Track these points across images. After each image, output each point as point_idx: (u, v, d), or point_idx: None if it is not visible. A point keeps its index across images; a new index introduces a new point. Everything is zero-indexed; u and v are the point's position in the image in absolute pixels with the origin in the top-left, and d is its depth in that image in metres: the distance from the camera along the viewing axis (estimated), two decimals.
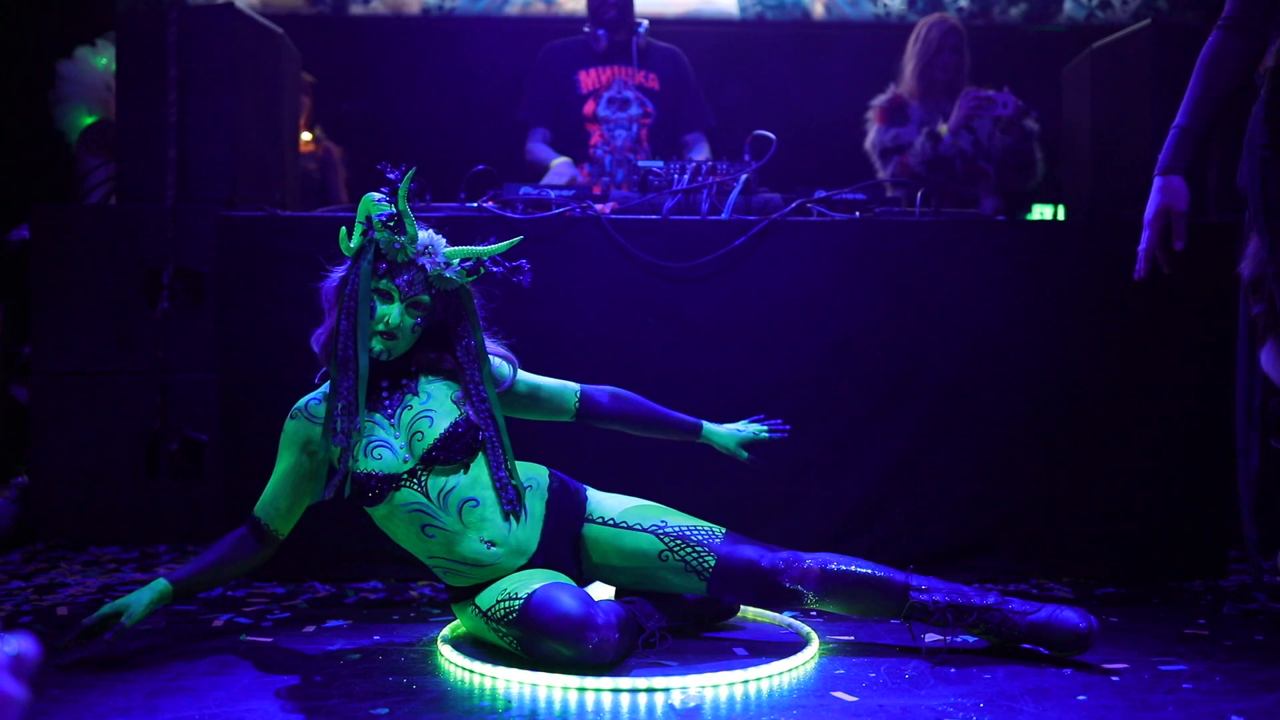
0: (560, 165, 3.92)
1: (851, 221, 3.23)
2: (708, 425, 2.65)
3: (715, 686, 2.14)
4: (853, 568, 2.38)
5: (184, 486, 3.69)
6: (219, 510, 3.42)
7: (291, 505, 2.47)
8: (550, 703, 2.07)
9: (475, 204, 3.21)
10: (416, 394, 2.43)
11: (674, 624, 2.47)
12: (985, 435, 3.19)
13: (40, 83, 4.89)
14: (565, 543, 2.46)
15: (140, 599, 2.34)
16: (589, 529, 2.48)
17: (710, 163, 3.29)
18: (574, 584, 2.35)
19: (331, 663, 2.33)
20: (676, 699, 2.07)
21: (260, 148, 3.94)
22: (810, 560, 2.39)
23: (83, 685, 2.15)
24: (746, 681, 2.18)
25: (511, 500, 2.37)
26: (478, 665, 2.25)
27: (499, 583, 2.35)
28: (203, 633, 2.58)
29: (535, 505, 2.44)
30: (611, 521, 2.47)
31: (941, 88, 4.24)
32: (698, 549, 2.40)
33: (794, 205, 3.21)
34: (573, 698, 2.09)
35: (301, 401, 2.47)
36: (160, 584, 2.38)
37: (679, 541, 2.41)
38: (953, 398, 3.19)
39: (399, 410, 2.41)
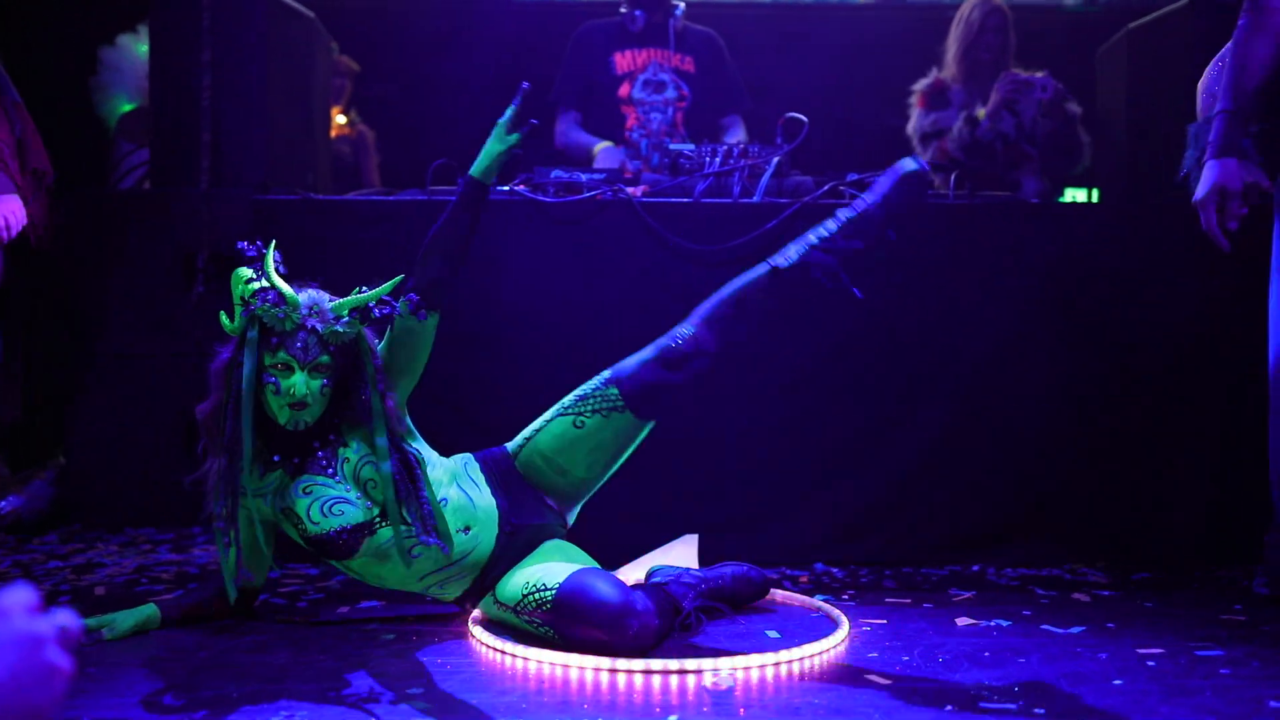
0: (606, 149, 3.88)
1: None
2: (472, 170, 2.49)
3: (747, 669, 2.14)
4: (724, 295, 2.49)
5: None
6: None
7: (259, 562, 2.48)
8: (583, 684, 2.08)
9: (507, 187, 3.21)
10: (347, 445, 2.38)
11: (708, 605, 2.47)
12: (1019, 420, 3.17)
13: (81, 69, 4.92)
14: (515, 488, 2.51)
15: (126, 619, 2.37)
16: (518, 461, 2.54)
17: (742, 145, 3.27)
18: (598, 566, 2.37)
19: (366, 642, 2.34)
20: (709, 680, 2.07)
21: (293, 131, 3.97)
22: (692, 327, 2.48)
23: (123, 664, 2.18)
24: (779, 664, 2.18)
25: (432, 526, 2.33)
26: (510, 646, 2.26)
27: (517, 575, 2.37)
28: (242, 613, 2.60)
29: (476, 474, 2.49)
30: (526, 439, 2.55)
31: (985, 70, 4.17)
32: (596, 394, 2.48)
33: (826, 188, 3.19)
34: (605, 679, 2.10)
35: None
36: (149, 609, 2.41)
37: (579, 401, 2.50)
38: (986, 382, 3.17)
39: (338, 465, 2.37)
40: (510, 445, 2.58)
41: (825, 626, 2.46)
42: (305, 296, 2.32)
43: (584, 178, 3.20)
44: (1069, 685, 2.04)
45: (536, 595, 2.29)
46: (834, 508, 3.13)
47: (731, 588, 2.58)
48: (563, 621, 2.23)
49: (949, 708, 1.92)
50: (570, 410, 2.50)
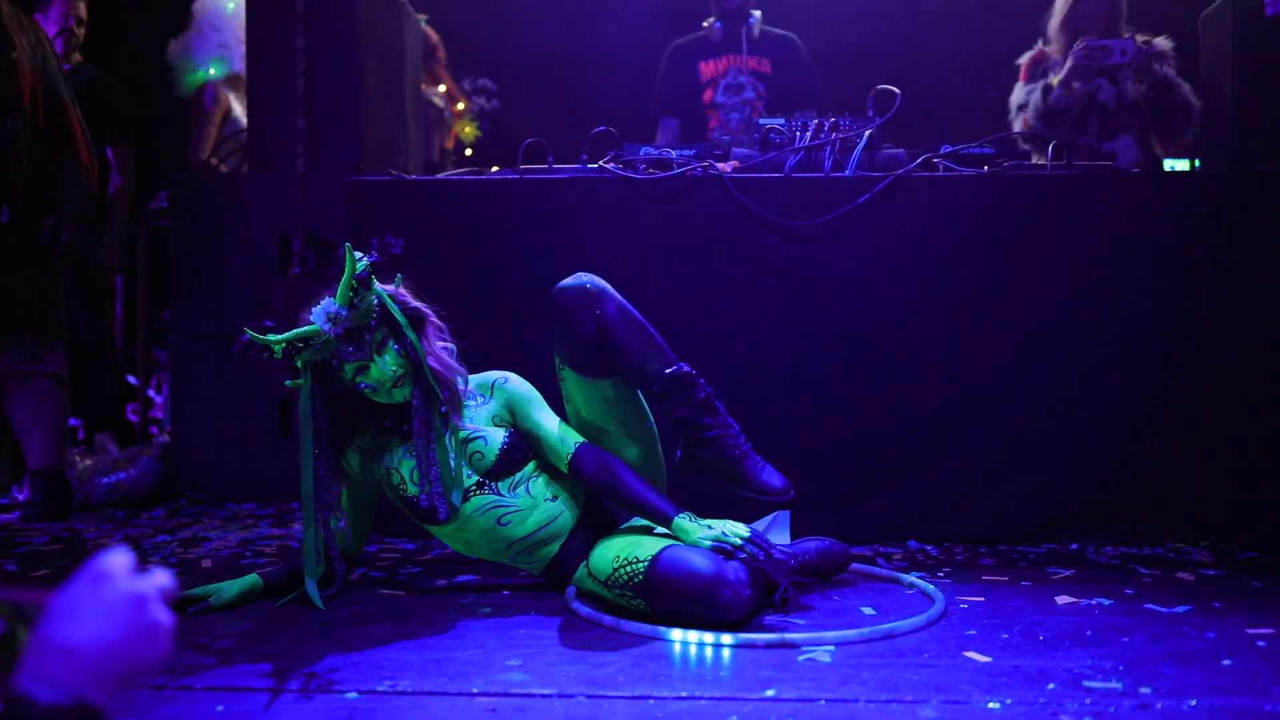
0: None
1: (979, 177, 3.15)
2: (680, 518, 2.35)
3: (846, 644, 2.13)
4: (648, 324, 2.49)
5: None
6: None
7: (358, 533, 2.58)
8: (681, 657, 2.08)
9: (597, 165, 3.23)
10: (464, 425, 2.49)
11: (799, 579, 2.46)
12: (1119, 396, 3.10)
13: (153, 52, 5.03)
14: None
15: (231, 588, 2.46)
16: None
17: (833, 119, 3.24)
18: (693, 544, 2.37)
19: (464, 615, 2.38)
20: (807, 655, 2.07)
21: (384, 115, 4.02)
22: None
23: (230, 633, 2.24)
24: (877, 639, 2.17)
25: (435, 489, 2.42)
26: (607, 619, 2.28)
27: (609, 547, 2.39)
28: (341, 585, 2.66)
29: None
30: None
31: (1130, 32, 4.06)
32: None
33: (919, 161, 3.15)
34: (703, 652, 2.10)
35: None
36: (253, 578, 2.50)
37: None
38: (1085, 358, 3.11)
39: (449, 439, 2.46)
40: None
41: (921, 603, 2.44)
42: (316, 315, 2.39)
43: (674, 154, 3.20)
44: (1176, 665, 2.00)
45: (628, 568, 2.31)
46: (928, 485, 3.10)
47: (817, 562, 2.58)
48: (654, 593, 2.26)
49: (1051, 686, 1.89)
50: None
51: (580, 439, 2.48)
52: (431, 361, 2.43)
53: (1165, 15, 4.66)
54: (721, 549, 2.27)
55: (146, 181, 4.90)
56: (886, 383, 3.11)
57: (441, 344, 2.50)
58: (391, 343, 2.41)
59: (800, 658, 2.06)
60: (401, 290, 2.48)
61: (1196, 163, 4.37)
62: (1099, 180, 3.17)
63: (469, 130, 5.36)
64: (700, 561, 2.22)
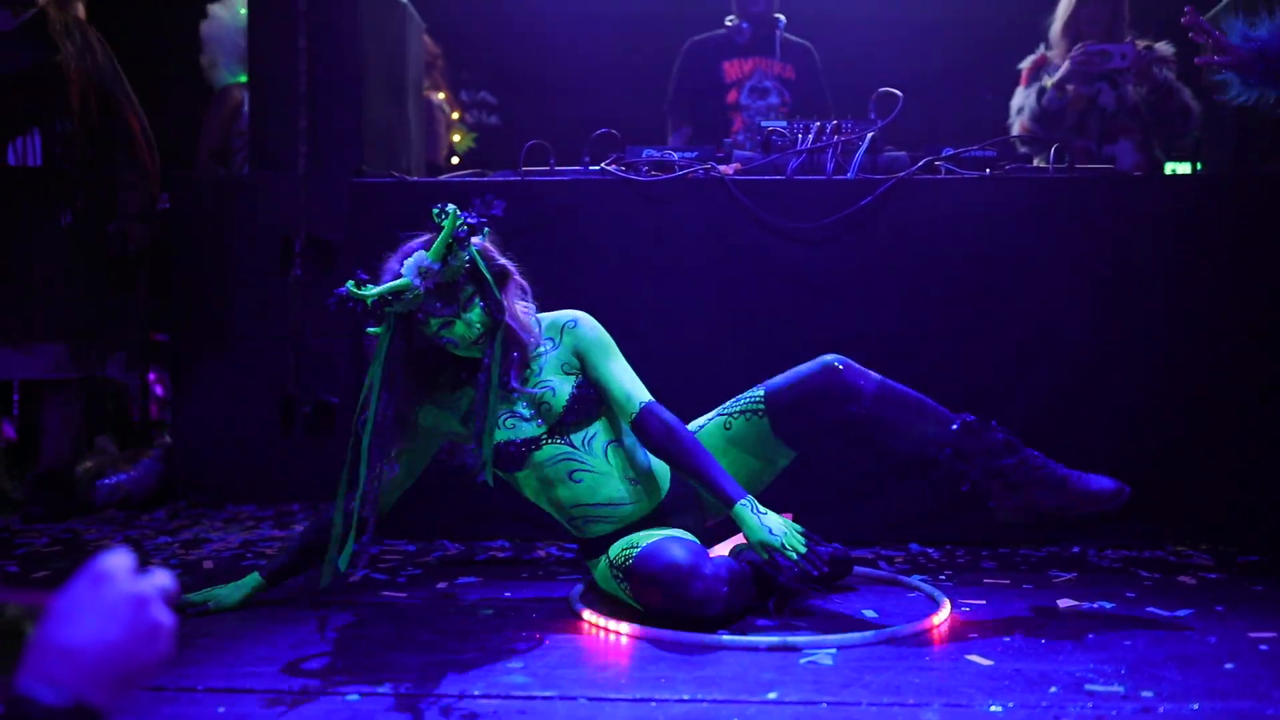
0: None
1: (981, 179, 3.15)
2: (742, 505, 2.28)
3: (847, 647, 2.13)
4: (906, 390, 2.45)
5: (317, 447, 3.80)
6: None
7: (398, 484, 2.56)
8: (684, 659, 2.08)
9: (599, 167, 3.22)
10: (530, 365, 2.46)
11: (800, 586, 2.45)
12: (1120, 398, 3.10)
13: (168, 50, 5.02)
14: (688, 488, 2.51)
15: (232, 595, 2.45)
16: None
17: (835, 122, 3.23)
18: (695, 539, 2.37)
19: (465, 618, 2.38)
20: (809, 658, 2.07)
21: (387, 116, 4.02)
22: (872, 382, 2.44)
23: (232, 635, 2.24)
24: (878, 642, 2.17)
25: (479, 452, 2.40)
26: (610, 622, 2.28)
27: (630, 535, 2.40)
28: (342, 587, 2.65)
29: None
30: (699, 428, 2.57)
31: (1130, 36, 4.05)
32: (746, 397, 2.50)
33: (921, 164, 3.15)
34: (706, 655, 2.10)
35: None
36: (252, 578, 2.49)
37: (732, 403, 2.53)
38: (1086, 359, 3.11)
39: (517, 394, 2.45)
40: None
41: (923, 606, 2.44)
42: (408, 269, 2.36)
43: (676, 156, 3.19)
44: (1178, 668, 1.99)
45: (626, 552, 2.34)
46: (930, 487, 3.09)
47: (832, 567, 2.54)
48: (636, 580, 2.29)
49: (1053, 689, 1.88)
50: (724, 412, 2.54)
51: (649, 397, 2.41)
52: (510, 320, 2.40)
53: (1168, 18, 4.66)
54: (775, 565, 2.25)
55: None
56: (898, 377, 3.10)
57: (521, 304, 2.47)
58: (478, 299, 2.39)
59: (802, 660, 2.06)
60: (488, 245, 2.46)
61: (1198, 165, 4.37)
62: (1100, 183, 3.17)
63: (463, 140, 5.36)
64: (679, 553, 2.23)
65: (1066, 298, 3.11)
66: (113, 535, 3.32)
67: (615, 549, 2.39)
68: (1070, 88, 3.93)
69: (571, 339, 2.48)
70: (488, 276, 2.39)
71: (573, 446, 2.43)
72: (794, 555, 2.22)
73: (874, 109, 3.26)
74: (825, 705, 1.83)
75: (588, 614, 2.34)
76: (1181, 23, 2.75)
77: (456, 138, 5.34)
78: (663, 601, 2.24)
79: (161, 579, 1.02)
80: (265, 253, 3.85)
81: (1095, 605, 2.44)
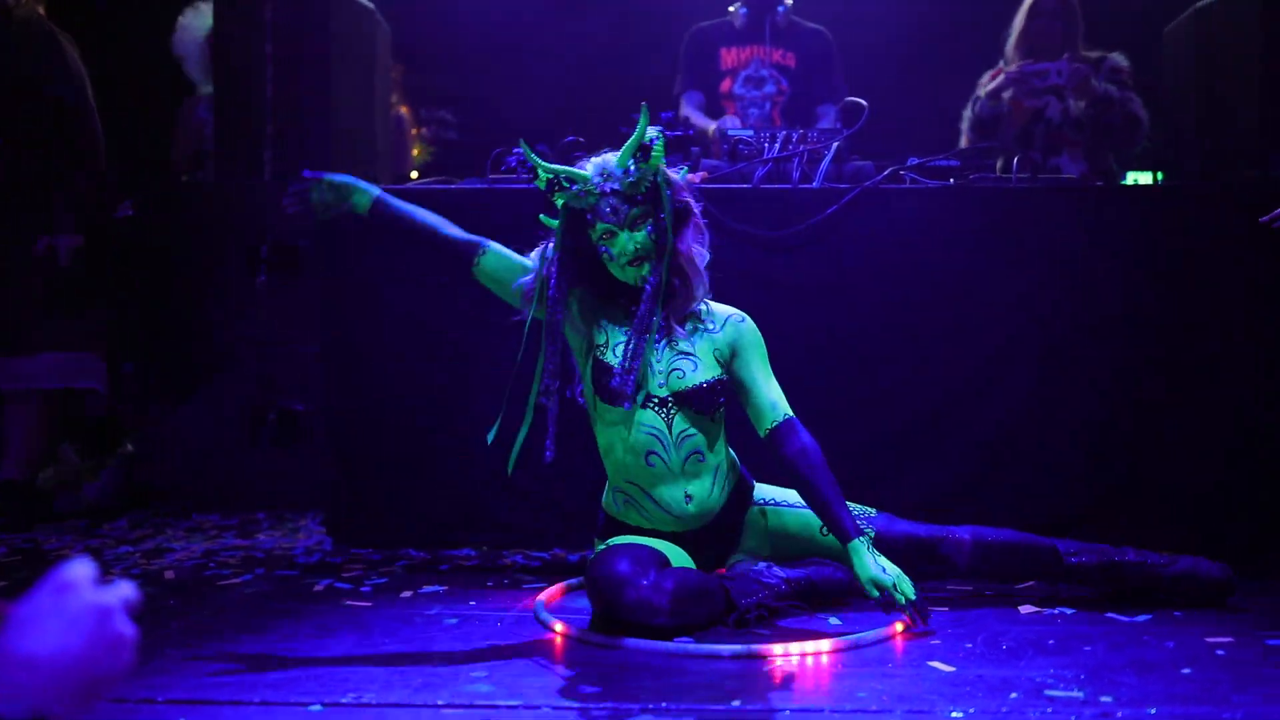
0: (726, 118, 3.95)
1: (945, 189, 3.18)
2: (860, 541, 2.28)
3: (810, 654, 2.14)
4: (1002, 538, 2.51)
5: (282, 455, 3.78)
6: (315, 478, 3.51)
7: (501, 279, 2.54)
8: (647, 666, 2.08)
9: None
10: (686, 337, 2.46)
11: (778, 604, 2.43)
12: (1084, 408, 3.12)
13: (142, 58, 4.98)
14: (734, 520, 2.53)
15: (360, 200, 2.54)
16: (753, 510, 2.56)
17: (801, 131, 3.25)
18: (657, 549, 2.38)
19: (429, 627, 2.37)
20: (772, 664, 2.07)
21: (354, 122, 4.00)
22: (962, 531, 2.51)
23: (193, 645, 2.22)
24: (842, 649, 2.18)
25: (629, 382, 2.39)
26: (574, 630, 2.28)
27: (623, 536, 2.44)
28: (304, 596, 2.64)
29: (732, 477, 2.53)
30: (774, 502, 2.57)
31: (1044, 56, 4.11)
32: (856, 522, 2.44)
33: (886, 173, 3.17)
34: (669, 662, 2.10)
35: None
36: (371, 194, 2.55)
37: None
38: (1049, 370, 3.12)
39: (665, 343, 2.45)
40: (756, 487, 2.60)
41: (888, 614, 2.44)
42: (592, 167, 2.38)
43: None
44: (1136, 673, 2.02)
45: (591, 558, 2.38)
46: (900, 493, 3.10)
47: (814, 586, 2.50)
48: (588, 584, 2.34)
49: (1014, 695, 1.90)
50: None
51: (791, 413, 2.41)
52: (681, 248, 2.40)
53: (1129, 29, 4.73)
54: (886, 604, 2.24)
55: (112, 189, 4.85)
56: (857, 392, 3.12)
57: (698, 246, 2.45)
58: (649, 222, 2.38)
59: (766, 668, 2.07)
60: (683, 180, 2.46)
61: (1159, 175, 4.42)
62: (1061, 193, 3.20)
63: (418, 153, 5.34)
64: (620, 563, 2.27)
65: (1034, 304, 3.13)
66: (74, 545, 3.28)
67: (602, 544, 2.45)
68: (1006, 96, 3.99)
69: (734, 332, 2.49)
70: (665, 204, 2.39)
71: (668, 430, 2.40)
72: (902, 599, 2.24)
73: (840, 118, 3.28)
74: (788, 713, 1.84)
75: (552, 621, 2.34)
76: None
77: (415, 151, 5.33)
78: (602, 608, 2.29)
79: (124, 590, 1.02)
80: (232, 259, 3.83)
81: (1056, 611, 2.46)
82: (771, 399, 2.43)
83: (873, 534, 2.43)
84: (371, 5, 4.14)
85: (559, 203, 2.41)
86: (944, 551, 2.48)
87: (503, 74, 5.60)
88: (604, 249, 2.39)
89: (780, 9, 4.18)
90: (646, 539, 2.43)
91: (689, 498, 2.42)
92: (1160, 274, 3.12)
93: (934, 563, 2.50)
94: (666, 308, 2.42)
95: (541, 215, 2.47)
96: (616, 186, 2.35)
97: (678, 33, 4.50)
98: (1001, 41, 4.20)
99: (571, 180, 2.37)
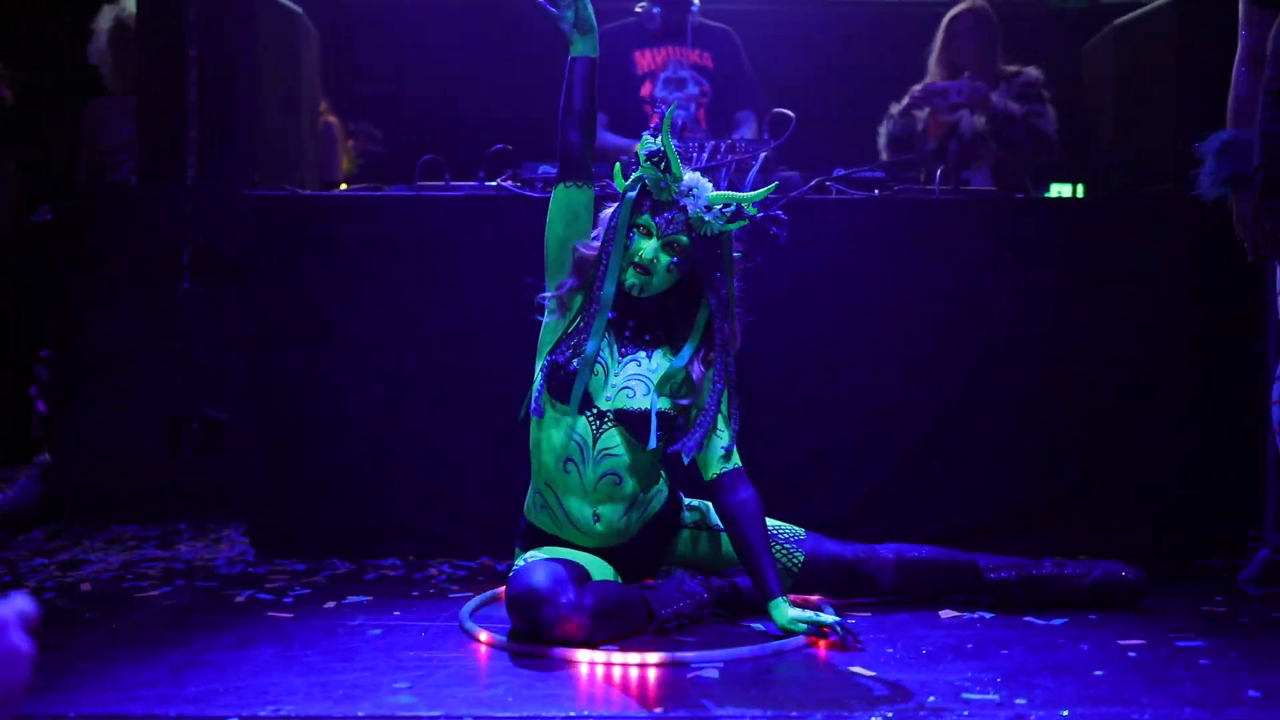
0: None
1: (870, 200, 3.22)
2: (777, 602, 2.30)
3: (733, 661, 2.15)
4: (924, 555, 2.56)
5: (204, 465, 3.71)
6: (239, 488, 3.46)
7: (571, 219, 2.50)
8: (570, 677, 2.08)
9: (494, 183, 3.22)
10: (650, 358, 2.44)
11: (700, 613, 2.43)
12: (1006, 417, 3.18)
13: (59, 60, 4.88)
14: (657, 541, 2.54)
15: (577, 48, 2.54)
16: (683, 533, 2.58)
17: (729, 140, 3.27)
18: (577, 563, 2.37)
19: (352, 637, 2.35)
20: (695, 673, 2.08)
21: (280, 126, 3.96)
22: (885, 551, 2.56)
23: (110, 659, 2.18)
24: (764, 656, 2.19)
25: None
26: (498, 639, 2.27)
27: (545, 547, 2.42)
28: (225, 608, 2.60)
29: (653, 506, 2.52)
30: (704, 525, 2.58)
31: (962, 72, 4.22)
32: (785, 546, 2.51)
33: (812, 184, 3.20)
34: (592, 671, 2.10)
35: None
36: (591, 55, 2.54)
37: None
38: (973, 379, 3.18)
39: (628, 359, 2.43)
40: (684, 504, 2.62)
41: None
42: (691, 176, 2.38)
43: None
44: (1051, 676, 2.06)
45: (512, 569, 2.35)
46: (824, 502, 3.14)
47: (738, 595, 2.50)
48: (508, 602, 2.30)
49: (932, 699, 1.93)
50: None
51: (740, 464, 2.41)
52: (717, 310, 2.42)
53: (1051, 46, 4.82)
54: (815, 629, 2.26)
55: (30, 192, 4.74)
56: (780, 403, 3.15)
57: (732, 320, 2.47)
58: (676, 258, 2.39)
59: (689, 675, 2.08)
60: (735, 246, 2.46)
61: (1081, 188, 4.52)
62: (984, 205, 3.27)
63: (346, 165, 5.29)
64: (539, 578, 2.23)
65: (957, 314, 3.19)
66: None
67: (521, 556, 2.42)
68: (921, 113, 4.07)
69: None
70: (726, 259, 2.42)
71: (591, 445, 2.38)
72: (829, 620, 2.27)
73: (767, 129, 3.31)
74: (710, 719, 1.85)
75: (476, 631, 2.33)
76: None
77: (345, 162, 5.27)
78: (521, 625, 2.25)
79: (21, 603, 1.00)
80: (152, 265, 3.76)
81: (976, 616, 2.50)
82: (730, 445, 2.42)
83: (803, 558, 2.49)
84: (299, 10, 4.09)
85: (642, 174, 2.39)
86: (868, 572, 2.53)
87: (430, 80, 5.56)
88: (631, 236, 2.39)
89: (694, 8, 4.05)
90: (566, 550, 2.42)
91: (597, 518, 2.41)
92: (1081, 285, 3.19)
93: (858, 583, 2.54)
94: (707, 342, 2.43)
95: (616, 179, 2.46)
96: (689, 206, 2.37)
97: None
98: (923, 58, 4.28)
99: (669, 168, 2.37)
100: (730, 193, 2.41)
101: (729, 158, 3.22)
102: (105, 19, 4.45)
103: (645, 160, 2.39)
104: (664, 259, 2.38)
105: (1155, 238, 3.21)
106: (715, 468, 2.40)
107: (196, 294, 3.72)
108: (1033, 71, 4.13)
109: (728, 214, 2.39)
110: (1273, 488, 3.01)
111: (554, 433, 2.41)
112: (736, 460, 2.42)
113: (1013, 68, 4.13)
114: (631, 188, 2.41)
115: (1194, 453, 3.18)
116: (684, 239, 2.38)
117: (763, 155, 3.20)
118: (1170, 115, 3.70)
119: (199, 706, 1.90)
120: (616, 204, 2.45)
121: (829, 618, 2.30)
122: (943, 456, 3.19)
